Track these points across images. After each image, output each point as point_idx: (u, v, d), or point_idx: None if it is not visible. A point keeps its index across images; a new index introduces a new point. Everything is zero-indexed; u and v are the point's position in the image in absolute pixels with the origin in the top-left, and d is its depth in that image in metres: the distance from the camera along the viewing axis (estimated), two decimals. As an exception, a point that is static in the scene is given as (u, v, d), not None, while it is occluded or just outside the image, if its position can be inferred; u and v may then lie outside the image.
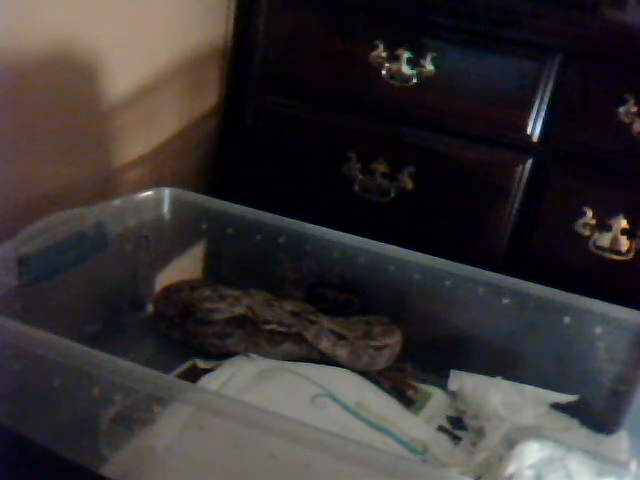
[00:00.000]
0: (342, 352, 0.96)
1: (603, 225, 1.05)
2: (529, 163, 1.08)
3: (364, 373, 0.96)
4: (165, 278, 1.05)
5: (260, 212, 1.03)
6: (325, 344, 0.95)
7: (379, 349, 0.97)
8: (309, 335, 0.95)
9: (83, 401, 0.68)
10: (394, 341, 0.98)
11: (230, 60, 1.23)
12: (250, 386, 0.87)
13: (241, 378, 0.89)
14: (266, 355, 0.95)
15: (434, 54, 1.08)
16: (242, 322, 0.96)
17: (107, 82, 0.97)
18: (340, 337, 0.96)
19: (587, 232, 1.06)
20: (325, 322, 0.97)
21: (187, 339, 0.97)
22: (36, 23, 0.84)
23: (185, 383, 0.71)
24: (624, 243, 1.05)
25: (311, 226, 1.01)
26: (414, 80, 1.09)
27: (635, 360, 0.93)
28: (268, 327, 0.95)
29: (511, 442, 0.83)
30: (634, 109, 1.00)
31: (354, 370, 0.96)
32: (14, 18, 0.81)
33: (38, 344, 0.66)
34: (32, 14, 0.83)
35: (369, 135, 1.16)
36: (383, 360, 0.98)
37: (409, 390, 0.95)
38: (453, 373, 0.98)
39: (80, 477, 0.65)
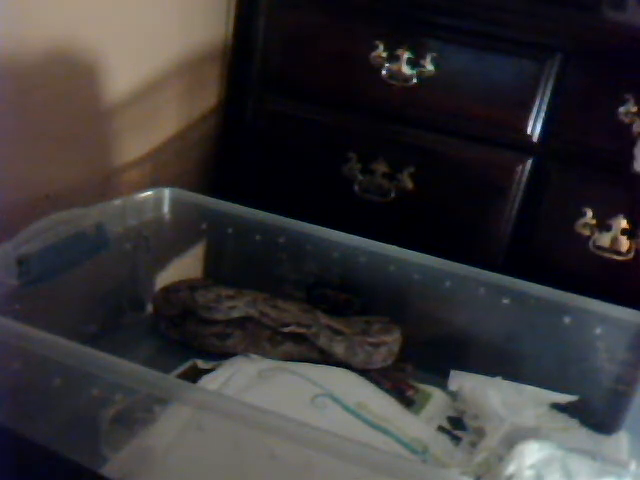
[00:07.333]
0: (339, 348, 0.96)
1: (603, 225, 1.05)
2: (529, 163, 1.08)
3: (364, 373, 0.96)
4: (165, 278, 1.05)
5: (260, 212, 1.02)
6: (322, 340, 0.95)
7: (376, 346, 0.97)
8: (308, 332, 0.95)
9: (83, 401, 0.68)
10: (392, 339, 0.98)
11: (230, 60, 1.23)
12: (250, 386, 0.87)
13: (241, 378, 0.89)
14: (266, 355, 0.95)
15: (434, 54, 1.08)
16: (242, 322, 0.96)
17: (107, 82, 0.97)
18: (337, 333, 0.96)
19: (587, 232, 1.06)
20: (323, 319, 0.97)
21: (187, 339, 0.97)
22: (36, 23, 0.84)
23: (185, 383, 0.72)
24: (624, 243, 1.04)
25: (311, 226, 1.01)
26: (414, 80, 1.09)
27: (635, 360, 0.93)
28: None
29: (511, 442, 0.83)
30: (634, 109, 1.00)
31: (351, 367, 0.96)
32: (14, 18, 0.81)
33: (38, 344, 0.66)
34: (32, 14, 0.83)
35: (369, 135, 1.16)
36: (380, 357, 0.98)
37: (409, 390, 0.95)
38: (453, 373, 0.98)
39: (80, 477, 0.65)
